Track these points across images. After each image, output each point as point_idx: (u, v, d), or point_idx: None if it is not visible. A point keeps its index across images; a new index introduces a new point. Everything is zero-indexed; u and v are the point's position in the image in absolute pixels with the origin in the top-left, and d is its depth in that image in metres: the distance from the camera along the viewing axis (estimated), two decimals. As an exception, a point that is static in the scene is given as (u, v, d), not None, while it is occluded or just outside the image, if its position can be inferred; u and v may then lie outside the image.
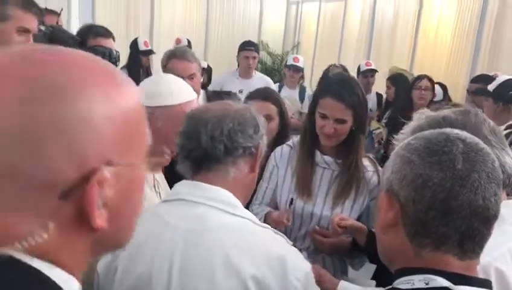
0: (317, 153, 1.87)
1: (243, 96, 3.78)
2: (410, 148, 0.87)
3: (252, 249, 1.05)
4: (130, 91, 0.60)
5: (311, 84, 6.75)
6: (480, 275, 0.97)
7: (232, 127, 1.12)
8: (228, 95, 2.82)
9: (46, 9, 3.22)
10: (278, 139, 2.10)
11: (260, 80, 4.49)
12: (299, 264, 1.07)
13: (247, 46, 4.48)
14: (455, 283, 0.80)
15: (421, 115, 1.18)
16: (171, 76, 1.68)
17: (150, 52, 4.89)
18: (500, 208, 0.84)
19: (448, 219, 0.81)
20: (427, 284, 0.81)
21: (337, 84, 1.78)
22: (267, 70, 7.88)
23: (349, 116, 1.75)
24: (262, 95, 2.19)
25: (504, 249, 1.08)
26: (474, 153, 0.83)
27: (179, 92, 1.52)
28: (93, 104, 0.54)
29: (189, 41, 5.53)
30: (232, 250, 1.03)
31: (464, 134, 0.87)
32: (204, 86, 4.86)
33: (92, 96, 0.54)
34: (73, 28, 6.01)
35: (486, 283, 0.85)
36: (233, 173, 1.13)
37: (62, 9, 2.31)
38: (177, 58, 2.34)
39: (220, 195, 1.11)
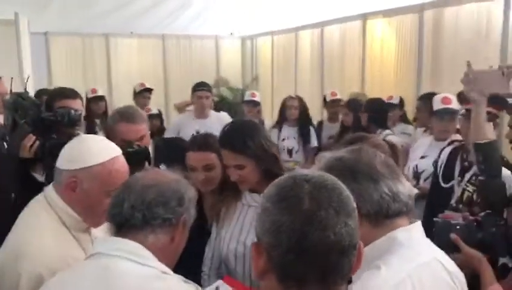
0: (246, 193, 1.95)
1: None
2: (266, 196, 0.93)
3: None
4: None
5: (272, 115, 6.91)
6: None
7: (154, 198, 1.21)
8: (175, 142, 2.86)
9: None
10: (224, 186, 2.06)
11: (217, 119, 4.56)
12: None
13: (199, 87, 4.60)
14: None
15: (321, 158, 1.28)
16: (90, 136, 1.70)
17: (97, 98, 4.87)
18: (355, 236, 0.89)
19: (305, 259, 0.85)
20: None
21: (225, 134, 1.88)
22: (230, 105, 8.04)
23: (244, 160, 1.81)
24: (199, 145, 2.16)
25: (403, 274, 1.11)
26: (318, 191, 0.88)
27: (100, 151, 1.52)
28: None
29: (150, 89, 5.61)
30: None
31: (311, 174, 0.92)
32: (158, 130, 4.95)
33: None
34: (29, 87, 6.04)
35: None
36: (151, 240, 1.21)
37: (12, 78, 2.42)
38: (126, 122, 2.25)
39: (131, 247, 1.18)
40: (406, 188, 1.21)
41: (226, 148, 1.85)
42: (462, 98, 3.00)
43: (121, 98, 6.90)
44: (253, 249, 0.92)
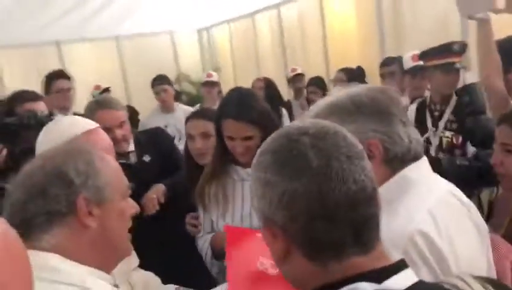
0: (238, 168, 1.87)
1: (169, 131, 3.74)
2: (261, 169, 0.80)
3: None
4: None
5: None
6: (410, 246, 0.97)
7: (24, 196, 0.96)
8: (157, 131, 2.76)
9: None
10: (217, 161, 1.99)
11: (183, 112, 4.46)
12: None
13: (154, 82, 4.60)
14: (379, 281, 0.74)
15: (340, 91, 1.16)
16: (60, 118, 1.57)
17: None
18: (374, 179, 0.80)
19: (334, 220, 0.75)
20: None
21: (234, 104, 1.78)
22: (194, 100, 7.87)
23: (254, 131, 1.75)
24: (199, 114, 2.18)
25: (423, 212, 1.05)
26: (323, 140, 0.77)
27: (71, 125, 1.42)
28: None
29: (107, 88, 5.47)
30: None
31: (305, 126, 0.81)
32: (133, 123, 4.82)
33: None
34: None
35: (401, 263, 0.80)
36: (49, 243, 0.95)
37: None
38: (104, 109, 2.16)
39: (39, 259, 0.92)
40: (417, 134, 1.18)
41: (238, 120, 1.73)
42: (422, 56, 3.00)
43: (79, 106, 6.63)
44: (266, 234, 0.79)
